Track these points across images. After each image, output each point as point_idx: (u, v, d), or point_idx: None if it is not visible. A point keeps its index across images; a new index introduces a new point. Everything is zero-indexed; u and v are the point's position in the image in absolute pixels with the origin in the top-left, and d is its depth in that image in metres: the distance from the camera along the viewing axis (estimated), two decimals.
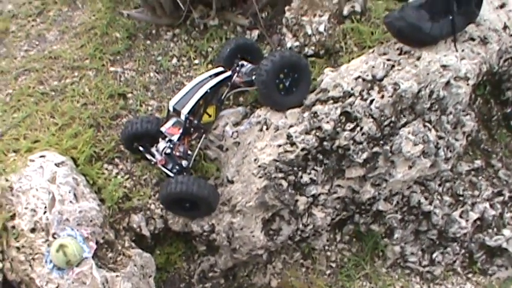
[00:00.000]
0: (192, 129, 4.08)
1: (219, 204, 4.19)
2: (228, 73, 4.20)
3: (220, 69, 4.25)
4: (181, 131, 4.01)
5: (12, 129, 4.45)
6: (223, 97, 4.23)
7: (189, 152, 4.14)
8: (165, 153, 4.04)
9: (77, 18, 5.56)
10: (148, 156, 4.21)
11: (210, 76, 4.16)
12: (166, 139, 4.06)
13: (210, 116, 4.18)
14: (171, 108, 4.04)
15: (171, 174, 4.06)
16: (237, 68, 4.27)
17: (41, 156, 4.07)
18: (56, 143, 4.31)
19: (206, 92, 4.01)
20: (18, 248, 3.72)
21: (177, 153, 4.06)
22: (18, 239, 3.74)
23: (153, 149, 4.16)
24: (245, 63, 4.33)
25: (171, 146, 4.03)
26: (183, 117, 3.97)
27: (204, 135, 4.25)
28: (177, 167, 4.07)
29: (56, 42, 5.33)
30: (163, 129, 4.06)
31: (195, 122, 4.05)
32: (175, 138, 4.02)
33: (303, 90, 4.10)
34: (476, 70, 3.93)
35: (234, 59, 4.38)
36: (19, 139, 4.36)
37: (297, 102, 4.11)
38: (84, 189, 4.01)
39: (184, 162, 4.09)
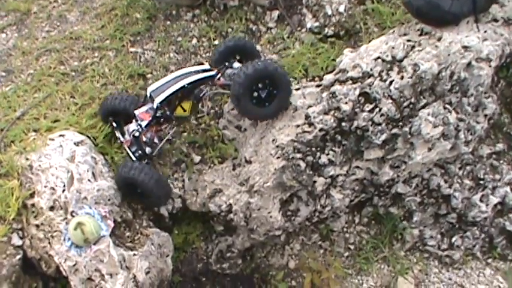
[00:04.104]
0: (162, 119, 4.10)
1: (170, 197, 4.27)
2: (212, 73, 4.13)
3: (207, 66, 4.21)
4: (150, 118, 4.04)
5: (32, 109, 4.51)
6: (201, 95, 4.22)
7: (156, 141, 4.18)
8: (133, 136, 4.06)
9: None
10: (118, 134, 4.23)
11: (194, 71, 4.13)
12: (137, 122, 4.08)
13: (184, 110, 4.20)
14: (148, 94, 4.06)
15: (133, 158, 4.09)
16: (223, 69, 4.18)
17: (60, 136, 4.12)
18: (76, 122, 4.36)
19: (183, 86, 4.00)
20: (37, 226, 3.79)
21: (144, 139, 4.10)
22: (38, 217, 3.80)
23: (125, 128, 4.19)
24: (236, 64, 4.20)
25: (140, 130, 4.06)
26: (155, 105, 3.99)
27: (174, 128, 4.34)
28: (139, 152, 4.10)
29: (77, 23, 5.37)
30: (136, 112, 4.07)
31: (167, 113, 4.07)
32: (143, 124, 4.05)
33: (280, 102, 4.01)
34: (499, 52, 3.87)
35: (226, 61, 4.25)
36: (39, 118, 4.42)
37: (273, 114, 4.08)
38: (102, 168, 4.05)
39: (148, 149, 4.12)
